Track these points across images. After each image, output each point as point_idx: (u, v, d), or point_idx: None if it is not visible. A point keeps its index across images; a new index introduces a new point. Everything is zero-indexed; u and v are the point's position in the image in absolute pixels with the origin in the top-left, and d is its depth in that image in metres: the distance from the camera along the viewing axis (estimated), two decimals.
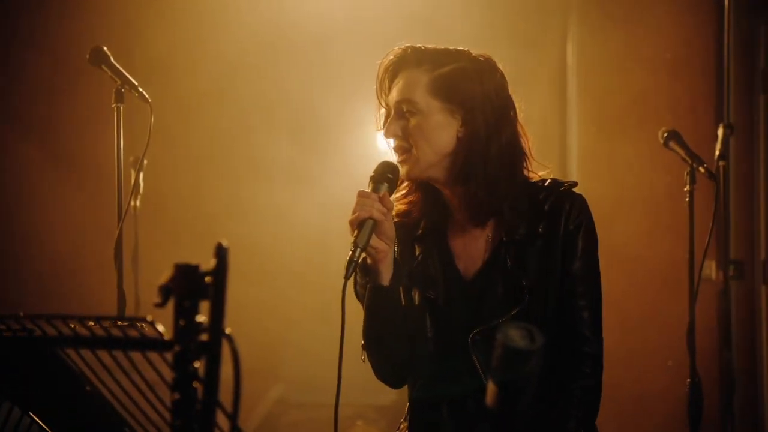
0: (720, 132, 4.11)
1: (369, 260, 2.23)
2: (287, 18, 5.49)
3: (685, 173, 3.70)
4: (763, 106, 5.06)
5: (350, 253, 2.14)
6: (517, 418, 1.40)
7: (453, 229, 2.33)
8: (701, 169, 3.65)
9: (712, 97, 5.12)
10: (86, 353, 1.39)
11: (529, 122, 2.32)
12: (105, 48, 3.27)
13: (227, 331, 1.22)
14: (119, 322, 1.41)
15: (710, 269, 4.91)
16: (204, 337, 1.21)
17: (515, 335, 1.36)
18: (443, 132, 2.22)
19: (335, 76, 5.53)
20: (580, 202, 2.26)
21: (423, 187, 2.32)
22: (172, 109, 5.01)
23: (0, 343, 1.40)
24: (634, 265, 5.05)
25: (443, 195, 2.31)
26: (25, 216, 5.34)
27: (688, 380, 3.63)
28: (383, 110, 2.30)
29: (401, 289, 2.28)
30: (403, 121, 2.23)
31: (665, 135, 3.81)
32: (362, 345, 2.31)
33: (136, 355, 1.32)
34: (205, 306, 1.22)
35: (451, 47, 2.27)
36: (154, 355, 1.29)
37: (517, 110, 2.28)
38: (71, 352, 1.42)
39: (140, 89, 3.25)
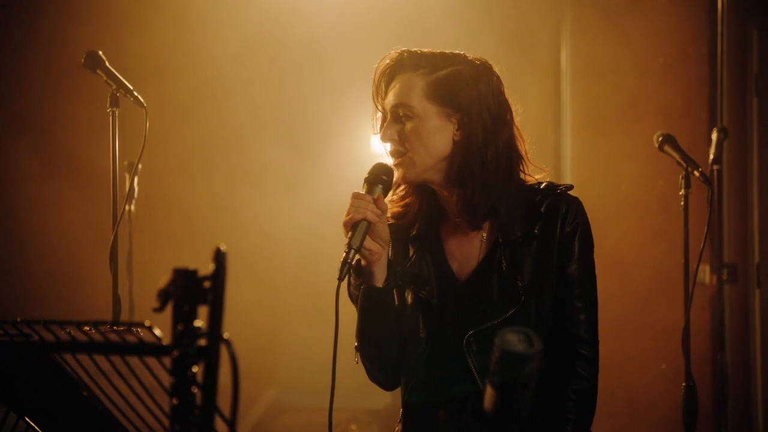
0: (714, 136, 4.12)
1: (363, 262, 2.23)
2: (280, 24, 5.50)
3: (680, 177, 3.69)
4: (756, 110, 5.07)
5: (344, 254, 2.13)
6: (515, 422, 1.40)
7: (448, 229, 2.32)
8: (696, 173, 3.64)
9: (706, 101, 5.13)
10: (84, 358, 1.38)
11: (523, 126, 2.32)
12: (100, 52, 3.26)
13: (225, 336, 1.22)
14: (117, 327, 1.41)
15: (704, 273, 4.93)
16: (202, 342, 1.21)
17: (513, 339, 1.36)
18: (440, 136, 2.21)
19: (328, 82, 5.55)
20: (577, 205, 2.25)
21: (419, 189, 2.32)
22: (166, 114, 5.01)
23: None
24: (628, 269, 5.06)
25: (439, 196, 2.31)
26: (20, 220, 5.33)
27: (683, 384, 3.62)
28: (379, 114, 2.29)
29: (395, 290, 2.28)
30: (399, 125, 2.23)
31: (660, 139, 3.81)
32: (355, 347, 2.30)
33: (134, 360, 1.32)
34: (202, 311, 1.22)
35: (447, 51, 2.26)
36: (151, 360, 1.28)
37: (514, 113, 2.28)
38: (68, 357, 1.41)
39: (135, 93, 3.24)
